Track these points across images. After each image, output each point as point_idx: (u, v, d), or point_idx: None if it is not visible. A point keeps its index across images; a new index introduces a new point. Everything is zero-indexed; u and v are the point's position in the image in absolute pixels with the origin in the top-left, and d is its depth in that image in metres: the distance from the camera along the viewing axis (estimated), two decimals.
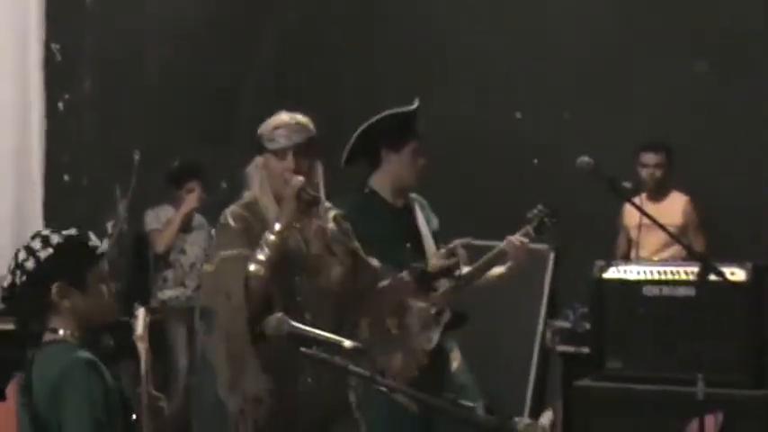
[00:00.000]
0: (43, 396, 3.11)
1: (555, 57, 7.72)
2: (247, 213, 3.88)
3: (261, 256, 3.74)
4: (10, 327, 3.42)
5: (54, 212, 6.91)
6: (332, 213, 4.00)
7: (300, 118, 3.93)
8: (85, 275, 3.23)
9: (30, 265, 3.19)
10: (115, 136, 7.33)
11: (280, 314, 3.08)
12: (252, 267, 3.74)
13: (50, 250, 3.20)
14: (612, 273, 5.72)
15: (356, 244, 4.08)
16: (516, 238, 4.76)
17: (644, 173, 6.72)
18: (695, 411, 4.63)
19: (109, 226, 7.31)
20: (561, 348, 6.46)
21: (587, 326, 6.24)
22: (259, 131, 3.94)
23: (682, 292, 5.57)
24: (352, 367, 2.97)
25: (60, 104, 7.12)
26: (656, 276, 5.66)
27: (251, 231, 3.83)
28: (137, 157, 7.35)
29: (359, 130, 4.67)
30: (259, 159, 3.93)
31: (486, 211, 7.36)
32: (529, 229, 5.03)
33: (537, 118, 7.82)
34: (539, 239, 6.57)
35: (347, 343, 3.00)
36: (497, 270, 4.87)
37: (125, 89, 7.50)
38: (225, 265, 3.80)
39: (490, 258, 4.81)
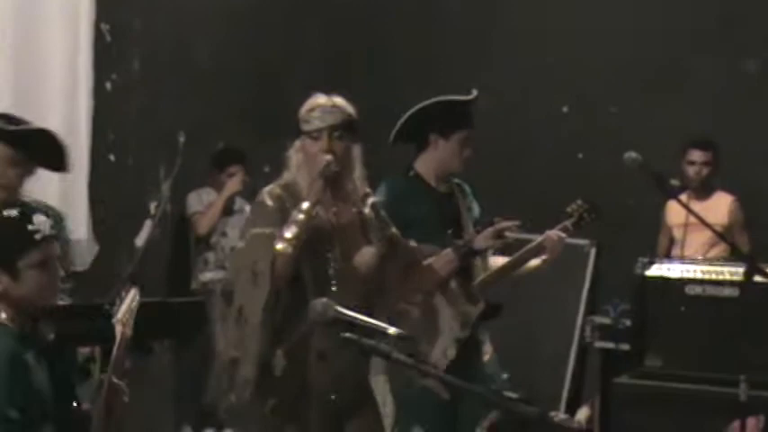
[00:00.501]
0: None
1: (604, 51, 7.67)
2: (284, 193, 3.88)
3: (288, 234, 3.74)
4: None
5: (99, 191, 6.96)
6: (370, 200, 3.99)
7: (337, 100, 3.94)
8: (16, 261, 3.11)
9: None
10: (161, 117, 7.36)
11: (325, 299, 3.08)
12: (279, 245, 3.73)
13: None
14: (655, 270, 5.68)
15: (394, 230, 4.06)
16: (555, 233, 4.76)
17: (690, 170, 6.66)
18: (736, 413, 4.59)
19: (152, 206, 7.34)
20: (600, 344, 6.42)
21: (627, 323, 6.20)
22: (298, 114, 3.95)
23: (726, 292, 5.53)
24: (395, 354, 2.97)
25: (108, 84, 7.15)
26: (700, 276, 5.62)
27: (286, 211, 3.82)
28: (182, 138, 7.37)
29: (410, 111, 4.65)
30: (297, 142, 3.94)
31: (528, 204, 7.33)
32: (567, 224, 5.03)
33: (583, 112, 7.78)
34: (580, 235, 6.59)
35: (392, 330, 3.00)
36: (533, 262, 4.85)
37: (172, 70, 7.53)
38: (255, 241, 3.80)
39: (528, 251, 4.81)
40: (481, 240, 4.51)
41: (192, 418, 7.38)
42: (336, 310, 3.05)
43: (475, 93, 4.67)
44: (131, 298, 3.55)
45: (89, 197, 6.86)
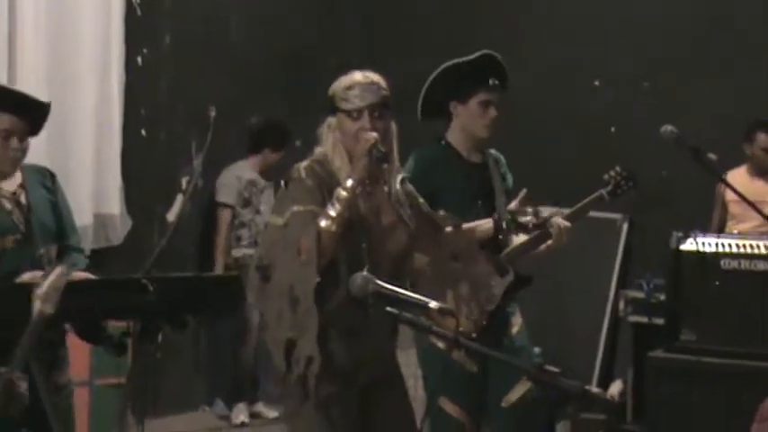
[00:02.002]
0: None
1: (638, 27, 7.62)
2: (320, 170, 3.84)
3: (332, 212, 3.71)
4: None
5: (131, 166, 6.98)
6: (400, 176, 3.97)
7: (374, 77, 3.85)
8: None
9: None
10: (192, 91, 7.36)
11: (365, 272, 3.07)
12: (323, 223, 3.69)
13: None
14: (690, 244, 5.64)
15: (421, 200, 4.03)
16: (560, 221, 4.65)
17: (756, 151, 6.61)
18: None
19: (184, 181, 7.36)
20: (633, 319, 6.40)
21: (661, 297, 6.18)
22: (331, 91, 3.87)
23: (761, 266, 5.49)
24: (436, 328, 2.97)
25: (139, 59, 7.16)
26: (735, 250, 5.57)
27: (323, 188, 3.79)
28: (213, 113, 7.36)
29: (425, 86, 4.62)
30: (332, 120, 3.88)
31: (560, 176, 7.32)
32: (603, 192, 4.95)
33: (616, 86, 7.74)
34: (613, 209, 6.57)
35: (433, 304, 2.98)
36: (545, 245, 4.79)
37: (203, 45, 7.53)
38: (296, 220, 3.76)
39: (533, 239, 4.67)
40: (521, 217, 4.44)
41: (224, 392, 7.42)
42: (377, 284, 3.04)
43: (481, 53, 4.60)
44: (57, 275, 3.46)
45: (122, 170, 6.88)
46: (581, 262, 7.12)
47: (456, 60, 4.62)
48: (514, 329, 4.66)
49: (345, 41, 8.07)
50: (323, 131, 3.90)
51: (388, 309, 2.97)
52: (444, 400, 4.46)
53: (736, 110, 6.94)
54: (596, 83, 7.80)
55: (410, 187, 4.03)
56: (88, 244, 6.64)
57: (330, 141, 3.87)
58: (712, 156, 4.65)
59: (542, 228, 4.50)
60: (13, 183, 4.13)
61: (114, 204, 6.91)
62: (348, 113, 3.80)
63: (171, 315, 3.95)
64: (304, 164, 3.89)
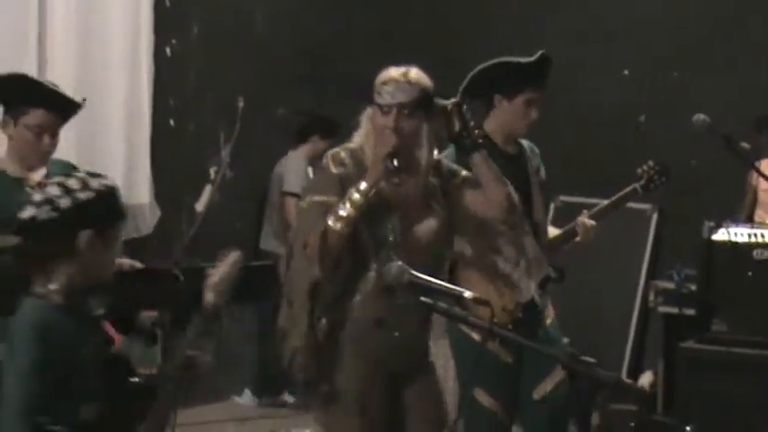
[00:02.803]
0: (2, 349, 2.93)
1: (667, 16, 7.58)
2: (349, 159, 3.82)
3: (342, 212, 3.66)
4: None
5: (160, 156, 6.99)
6: (436, 164, 3.93)
7: (412, 74, 3.81)
8: (110, 231, 2.98)
9: (64, 203, 2.92)
10: (220, 82, 7.37)
11: (400, 262, 3.06)
12: (330, 221, 3.66)
13: (90, 194, 2.94)
14: (722, 234, 5.60)
15: (458, 182, 3.99)
16: (587, 221, 4.80)
17: None
18: None
19: (212, 172, 7.37)
20: (664, 309, 6.37)
21: (692, 287, 6.14)
22: (375, 81, 3.88)
23: None
24: (471, 318, 2.95)
25: (167, 50, 7.17)
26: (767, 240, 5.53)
27: (348, 178, 3.78)
28: (241, 103, 7.38)
29: (473, 72, 4.60)
30: (369, 110, 3.87)
31: (589, 165, 7.29)
32: (637, 186, 5.01)
33: (645, 75, 7.69)
34: (643, 199, 6.53)
35: (468, 294, 2.97)
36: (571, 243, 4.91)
37: (231, 36, 7.53)
38: (313, 209, 3.75)
39: (562, 236, 4.86)
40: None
41: (252, 382, 7.44)
42: (411, 274, 3.02)
43: (539, 54, 4.60)
44: (230, 264, 3.22)
45: (151, 160, 6.90)
46: (611, 253, 7.08)
47: (512, 59, 4.61)
48: (548, 321, 4.65)
49: (368, 34, 8.04)
50: (362, 119, 3.90)
51: (423, 299, 2.96)
52: (479, 391, 4.45)
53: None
54: (625, 72, 7.76)
55: (449, 167, 3.99)
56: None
57: (364, 131, 3.87)
58: (745, 144, 4.62)
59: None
60: (39, 174, 4.13)
61: (144, 194, 6.93)
62: (380, 108, 3.80)
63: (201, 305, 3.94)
64: (333, 151, 3.87)
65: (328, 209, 3.70)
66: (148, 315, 4.23)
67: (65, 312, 2.93)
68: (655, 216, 7.30)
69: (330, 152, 3.88)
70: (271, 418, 7.10)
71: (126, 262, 4.15)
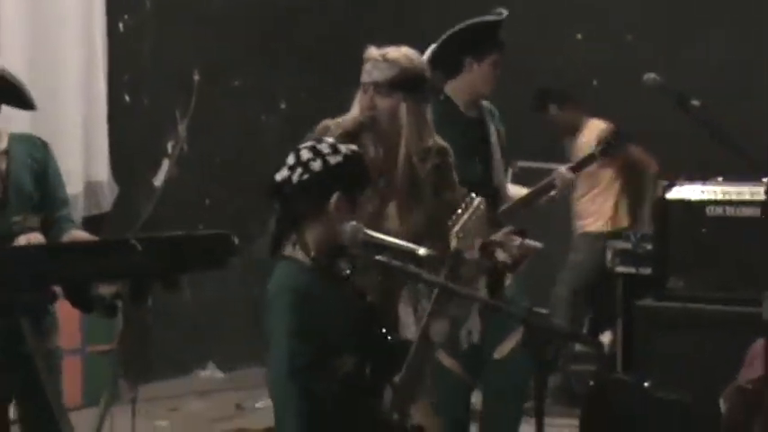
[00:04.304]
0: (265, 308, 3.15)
1: None
2: (335, 130, 3.82)
3: None
4: None
5: (116, 132, 6.97)
6: (435, 152, 3.92)
7: (391, 54, 3.83)
8: (357, 194, 3.19)
9: (316, 166, 3.13)
10: (174, 56, 7.34)
11: (354, 222, 3.09)
12: None
13: (339, 158, 3.15)
14: (676, 193, 5.66)
15: (455, 180, 3.99)
16: (566, 172, 4.78)
17: None
18: (760, 331, 4.60)
19: (169, 146, 7.35)
20: (621, 269, 6.43)
21: (648, 247, 6.20)
22: None
23: (747, 212, 5.51)
24: (425, 275, 2.99)
25: (120, 25, 7.14)
26: (720, 197, 5.59)
27: None
28: (196, 77, 7.36)
29: (444, 36, 4.62)
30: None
31: (546, 131, 7.32)
32: (593, 151, 5.08)
33: (599, 39, 7.73)
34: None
35: (422, 251, 3.01)
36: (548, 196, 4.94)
37: (184, 8, 7.49)
38: None
39: (540, 188, 4.90)
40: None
41: (216, 355, 7.45)
42: (366, 233, 3.06)
43: (505, 12, 4.63)
44: (474, 208, 3.35)
45: (109, 136, 6.88)
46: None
47: (483, 18, 4.64)
48: (507, 281, 4.69)
49: (329, 5, 8.01)
50: (356, 98, 3.91)
51: (378, 257, 3.00)
52: (441, 353, 4.48)
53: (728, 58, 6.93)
54: (578, 36, 7.80)
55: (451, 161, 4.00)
56: (79, 212, 6.66)
57: (356, 109, 3.88)
58: (696, 102, 4.65)
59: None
60: None
61: (102, 172, 6.92)
62: (362, 85, 3.83)
63: (161, 275, 3.94)
64: (321, 123, 3.89)
65: None
66: (107, 289, 4.21)
67: (317, 273, 3.13)
68: None
69: (319, 125, 3.90)
70: (235, 390, 7.13)
71: (78, 233, 4.12)
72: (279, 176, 3.16)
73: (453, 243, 3.25)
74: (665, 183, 5.71)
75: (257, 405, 6.61)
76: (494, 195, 4.58)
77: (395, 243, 3.06)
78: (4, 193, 4.03)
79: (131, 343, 4.60)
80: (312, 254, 3.12)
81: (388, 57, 3.81)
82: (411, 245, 3.05)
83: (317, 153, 3.15)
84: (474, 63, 4.61)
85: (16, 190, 4.06)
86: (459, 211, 3.30)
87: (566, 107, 7.13)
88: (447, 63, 4.62)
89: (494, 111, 4.82)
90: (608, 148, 5.09)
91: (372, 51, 3.84)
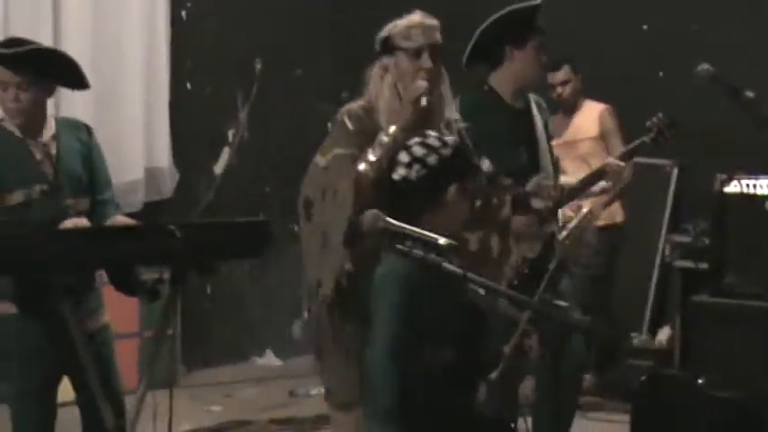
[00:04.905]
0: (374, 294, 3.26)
1: None
2: (363, 114, 3.85)
3: (371, 157, 3.72)
4: None
5: (178, 119, 7.02)
6: (457, 128, 3.94)
7: (434, 21, 3.90)
8: (469, 183, 3.32)
9: (432, 160, 3.26)
10: (237, 44, 7.37)
11: (375, 210, 3.07)
12: (361, 167, 3.71)
13: (450, 150, 3.29)
14: (734, 187, 5.55)
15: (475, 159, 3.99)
16: (615, 162, 4.72)
17: None
18: None
19: (229, 134, 7.39)
20: (680, 264, 6.32)
21: (707, 241, 6.09)
22: (387, 32, 3.89)
23: None
24: (446, 265, 2.95)
25: (183, 13, 7.18)
26: None
27: (366, 133, 3.79)
28: (258, 65, 7.39)
29: (481, 28, 4.58)
30: (384, 61, 3.88)
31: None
32: (646, 139, 4.95)
33: (664, 30, 7.59)
34: (664, 155, 6.48)
35: (442, 240, 2.97)
36: (599, 186, 4.84)
37: None
38: (336, 163, 3.79)
39: (590, 177, 4.81)
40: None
41: (275, 343, 7.48)
42: (386, 221, 3.04)
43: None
44: (582, 217, 3.59)
45: (170, 123, 6.94)
46: (631, 209, 7.05)
47: (518, 5, 4.59)
48: (563, 281, 4.64)
49: None
50: (372, 74, 3.90)
51: (398, 246, 2.97)
52: None
53: None
54: (644, 27, 7.67)
55: (461, 126, 4.00)
56: (140, 197, 6.74)
57: (380, 83, 3.86)
58: (750, 93, 4.55)
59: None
60: (46, 134, 4.15)
61: (163, 158, 6.98)
62: (407, 51, 3.82)
63: (198, 261, 3.95)
64: (347, 107, 3.91)
65: (354, 159, 3.73)
66: (150, 273, 4.24)
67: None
68: (675, 171, 7.22)
69: (345, 108, 3.91)
70: (291, 378, 7.14)
71: (121, 219, 4.17)
72: (396, 175, 3.29)
73: (558, 248, 3.34)
74: (723, 176, 5.60)
75: (311, 392, 6.62)
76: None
77: (416, 231, 3.03)
78: (56, 176, 4.08)
79: (188, 329, 4.63)
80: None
81: (434, 23, 3.88)
82: (432, 234, 3.02)
83: (430, 148, 3.28)
84: (515, 51, 4.56)
85: (68, 174, 4.11)
86: (572, 218, 3.37)
87: (577, 77, 6.97)
88: (488, 55, 4.58)
89: (541, 103, 4.77)
90: (659, 137, 4.97)
91: (415, 17, 3.89)
